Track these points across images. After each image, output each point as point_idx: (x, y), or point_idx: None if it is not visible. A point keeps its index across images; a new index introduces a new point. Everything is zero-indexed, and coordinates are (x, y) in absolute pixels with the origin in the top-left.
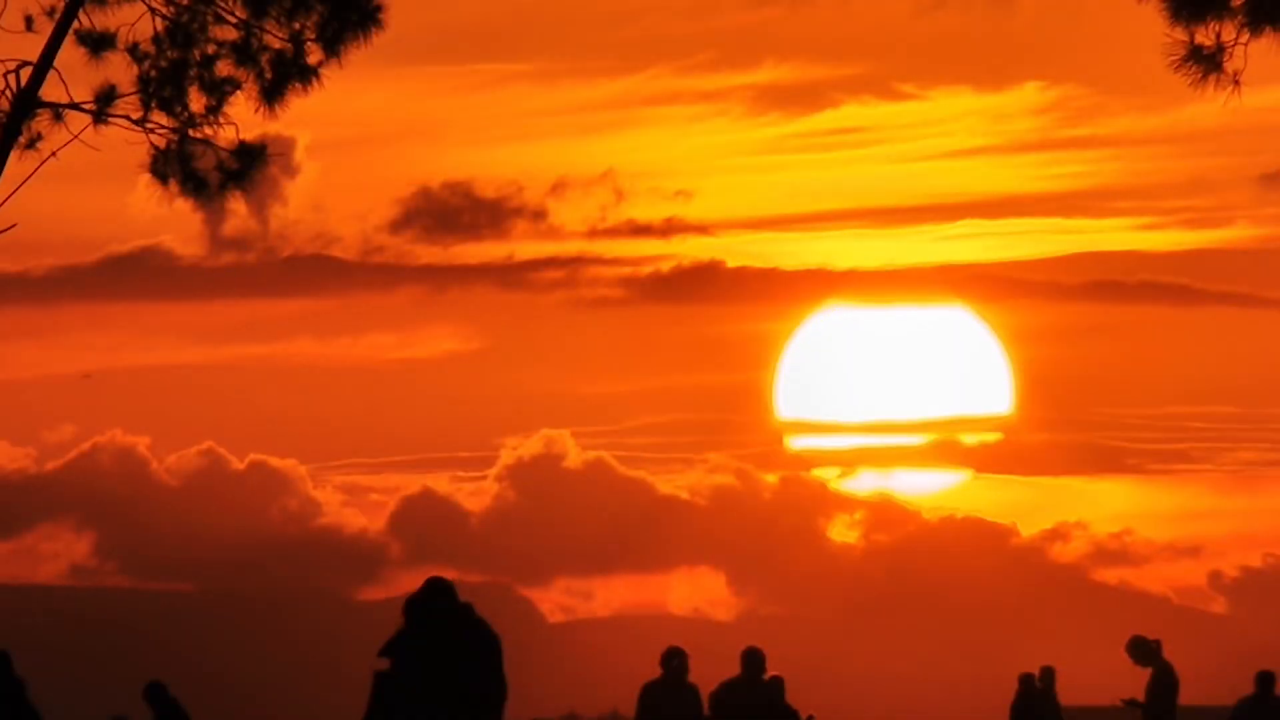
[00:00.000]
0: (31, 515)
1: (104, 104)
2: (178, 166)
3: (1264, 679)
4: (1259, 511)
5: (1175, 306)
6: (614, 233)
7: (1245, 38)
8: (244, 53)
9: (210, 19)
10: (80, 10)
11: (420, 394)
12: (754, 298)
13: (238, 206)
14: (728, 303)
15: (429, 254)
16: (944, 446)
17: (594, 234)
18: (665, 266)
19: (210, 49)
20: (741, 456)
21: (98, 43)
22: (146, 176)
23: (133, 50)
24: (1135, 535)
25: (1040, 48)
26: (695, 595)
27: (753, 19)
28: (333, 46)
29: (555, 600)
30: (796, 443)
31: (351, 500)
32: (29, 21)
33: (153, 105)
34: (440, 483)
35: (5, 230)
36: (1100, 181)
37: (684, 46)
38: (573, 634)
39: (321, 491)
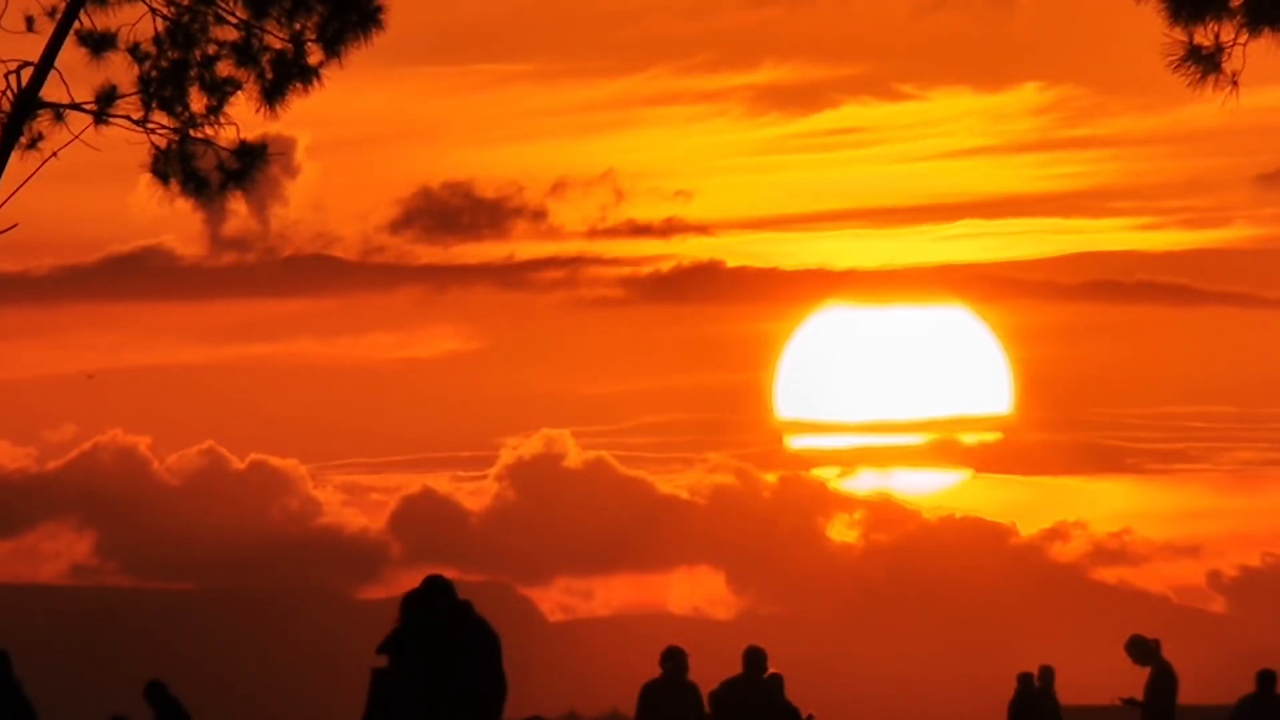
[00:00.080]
0: (32, 515)
1: (105, 104)
2: (179, 166)
3: (1265, 678)
4: (1258, 511)
5: (1174, 306)
6: (614, 233)
7: (1244, 38)
8: (245, 53)
9: (211, 19)
10: (81, 11)
11: (420, 394)
12: (754, 297)
13: (238, 206)
14: (727, 303)
15: (429, 254)
16: (943, 446)
17: (594, 234)
18: (665, 266)
19: (211, 49)
20: (741, 456)
21: (99, 43)
22: (147, 176)
23: (134, 50)
24: (1134, 535)
25: (1039, 48)
26: (695, 594)
27: (753, 19)
28: (333, 47)
29: (555, 599)
30: (796, 442)
31: (352, 500)
32: (30, 22)
33: (153, 105)
34: (440, 482)
35: (6, 230)
36: (1099, 181)
37: (684, 47)
38: (573, 633)
39: (322, 491)
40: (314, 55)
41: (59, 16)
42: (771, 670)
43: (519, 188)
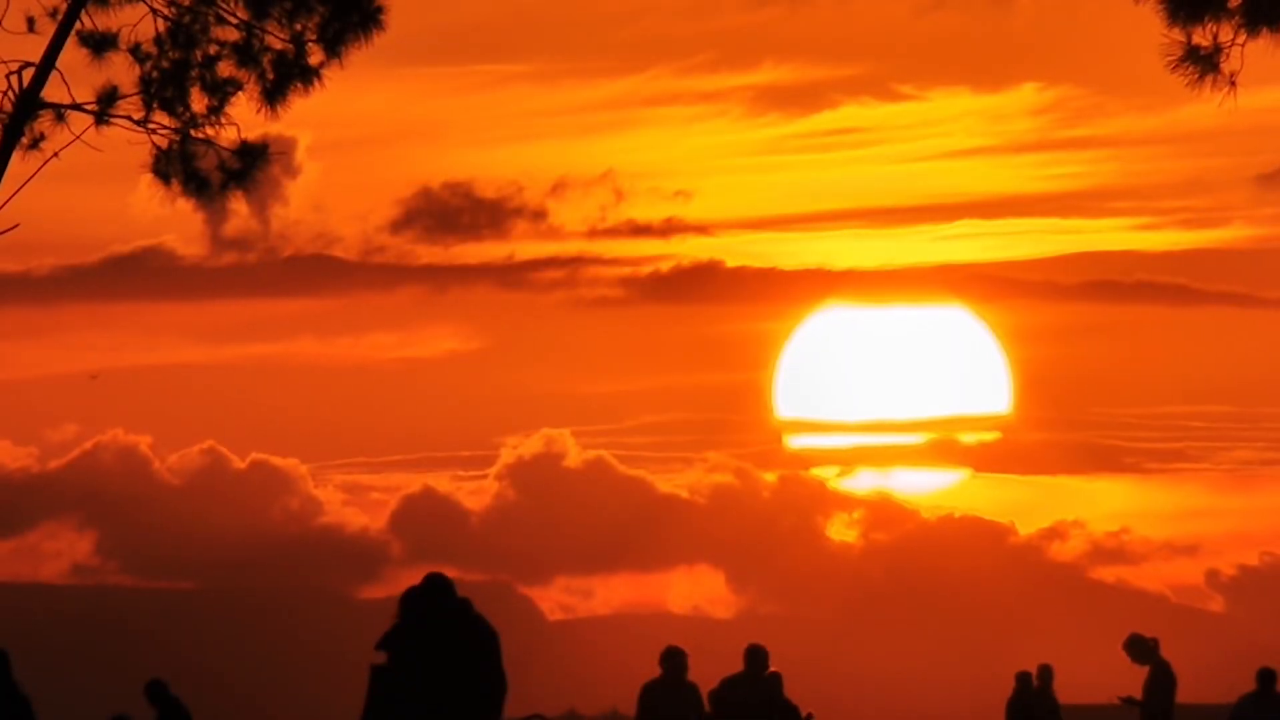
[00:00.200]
0: (33, 514)
1: (106, 104)
2: (180, 167)
3: (1265, 676)
4: (1256, 510)
5: (1173, 306)
6: (614, 233)
7: (1242, 38)
8: (246, 53)
9: (212, 20)
10: (82, 11)
11: (421, 393)
12: (753, 297)
13: (239, 206)
14: (727, 302)
15: (430, 254)
16: (942, 446)
17: (594, 234)
18: (665, 266)
19: (212, 50)
20: (741, 455)
21: (100, 44)
22: (148, 177)
23: (135, 51)
24: (1133, 534)
25: (1038, 49)
26: (695, 593)
27: (753, 20)
28: (334, 47)
29: (555, 598)
30: (795, 442)
31: (352, 499)
32: (31, 23)
33: (154, 106)
34: (441, 482)
35: (8, 230)
36: (1098, 182)
37: (684, 47)
38: (573, 632)
39: (323, 490)
40: (315, 56)
41: (60, 17)
42: (771, 669)
43: (519, 188)
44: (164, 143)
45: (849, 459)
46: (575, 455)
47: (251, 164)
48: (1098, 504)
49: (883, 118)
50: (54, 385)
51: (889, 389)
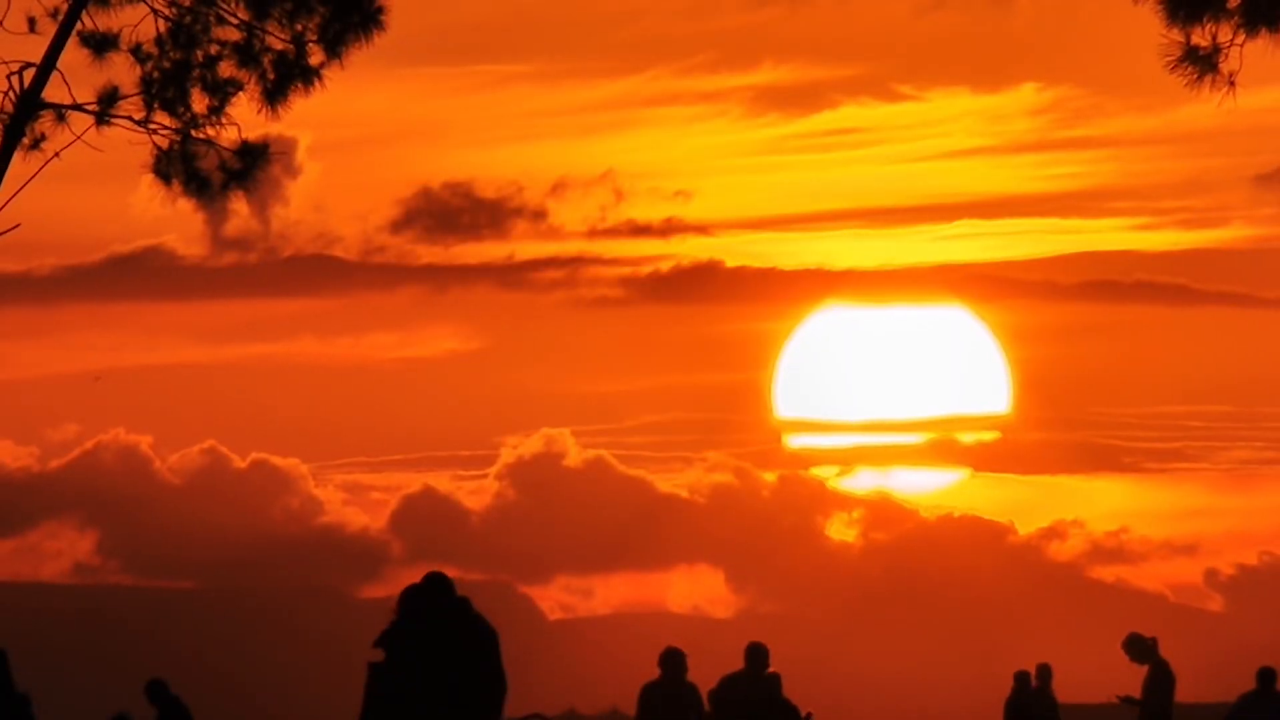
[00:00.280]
0: (35, 513)
1: (107, 105)
2: (180, 167)
3: (1265, 675)
4: (1254, 510)
5: (1171, 306)
6: (614, 233)
7: (1241, 39)
8: (246, 54)
9: (212, 20)
10: (83, 12)
11: (421, 393)
12: (753, 297)
13: (240, 207)
14: (727, 302)
15: (430, 254)
16: (942, 445)
17: (594, 234)
18: (665, 266)
19: (213, 50)
20: (740, 455)
21: (101, 44)
22: (149, 177)
23: (135, 51)
24: (1131, 533)
25: (1037, 49)
26: (694, 593)
27: (752, 20)
28: (334, 48)
29: (555, 598)
30: (795, 441)
31: (353, 499)
32: (32, 23)
33: (155, 106)
34: (441, 481)
35: (9, 231)
36: (1097, 182)
37: (683, 47)
38: (573, 631)
39: (323, 490)
40: (315, 56)
41: (61, 18)
42: (771, 668)
43: (519, 188)
44: (165, 143)
45: (848, 459)
46: (575, 455)
47: (252, 164)
48: (1097, 503)
49: (882, 118)
50: (55, 385)
51: (888, 389)
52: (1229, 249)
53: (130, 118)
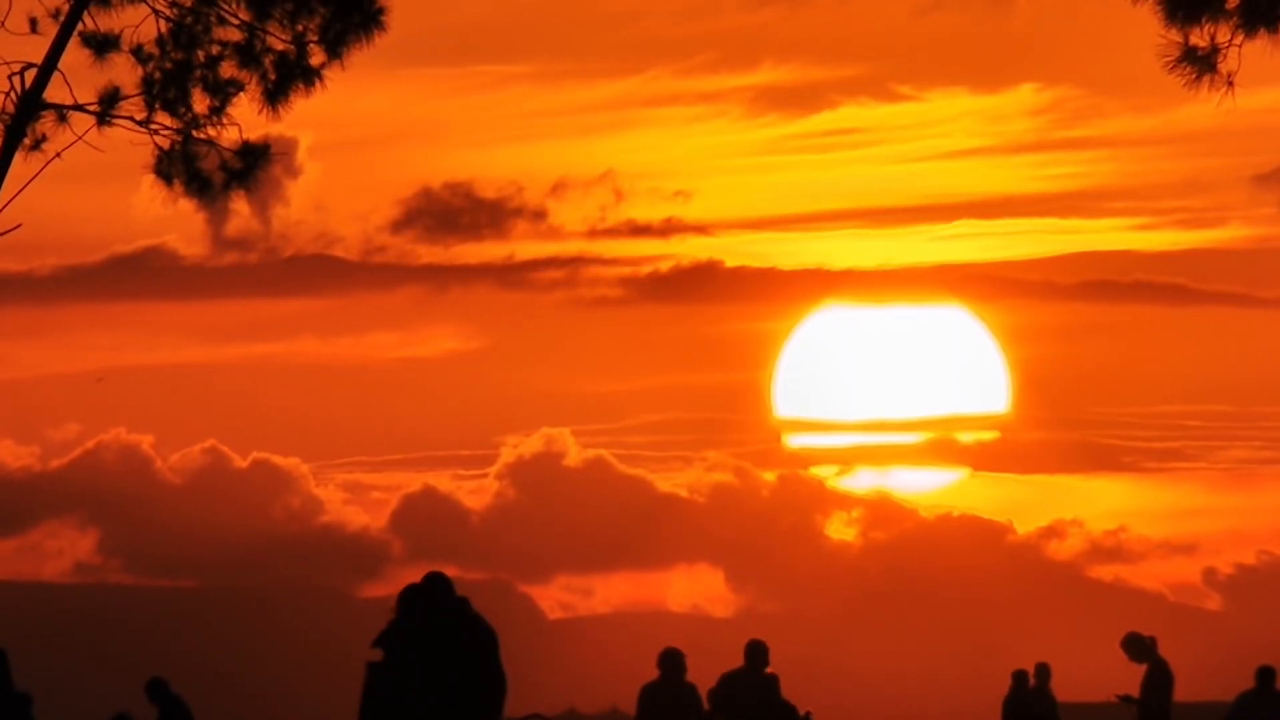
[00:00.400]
0: (35, 513)
1: (108, 105)
2: (181, 167)
3: (1264, 674)
4: (1253, 509)
5: (1170, 306)
6: (614, 233)
7: (1239, 39)
8: (247, 54)
9: (214, 21)
10: (85, 12)
11: (421, 393)
12: (752, 297)
13: (241, 207)
14: (726, 302)
15: (430, 254)
16: (941, 445)
17: (594, 234)
18: (664, 266)
19: (214, 50)
20: (740, 455)
21: (102, 45)
22: (150, 177)
23: (137, 52)
24: (1130, 532)
25: (1036, 49)
26: (694, 592)
27: (752, 20)
28: (335, 48)
29: (555, 597)
30: (794, 441)
31: (353, 498)
32: (34, 24)
33: (156, 106)
34: (441, 480)
35: (10, 231)
36: (1096, 182)
37: (683, 48)
38: (573, 630)
39: (324, 489)
40: (316, 56)
41: (62, 18)
42: (770, 667)
43: (519, 188)
44: (166, 143)
45: (848, 458)
46: (575, 454)
47: (253, 164)
48: (1095, 503)
49: (881, 118)
50: (56, 385)
51: (888, 388)
52: (1228, 249)
53: (131, 118)
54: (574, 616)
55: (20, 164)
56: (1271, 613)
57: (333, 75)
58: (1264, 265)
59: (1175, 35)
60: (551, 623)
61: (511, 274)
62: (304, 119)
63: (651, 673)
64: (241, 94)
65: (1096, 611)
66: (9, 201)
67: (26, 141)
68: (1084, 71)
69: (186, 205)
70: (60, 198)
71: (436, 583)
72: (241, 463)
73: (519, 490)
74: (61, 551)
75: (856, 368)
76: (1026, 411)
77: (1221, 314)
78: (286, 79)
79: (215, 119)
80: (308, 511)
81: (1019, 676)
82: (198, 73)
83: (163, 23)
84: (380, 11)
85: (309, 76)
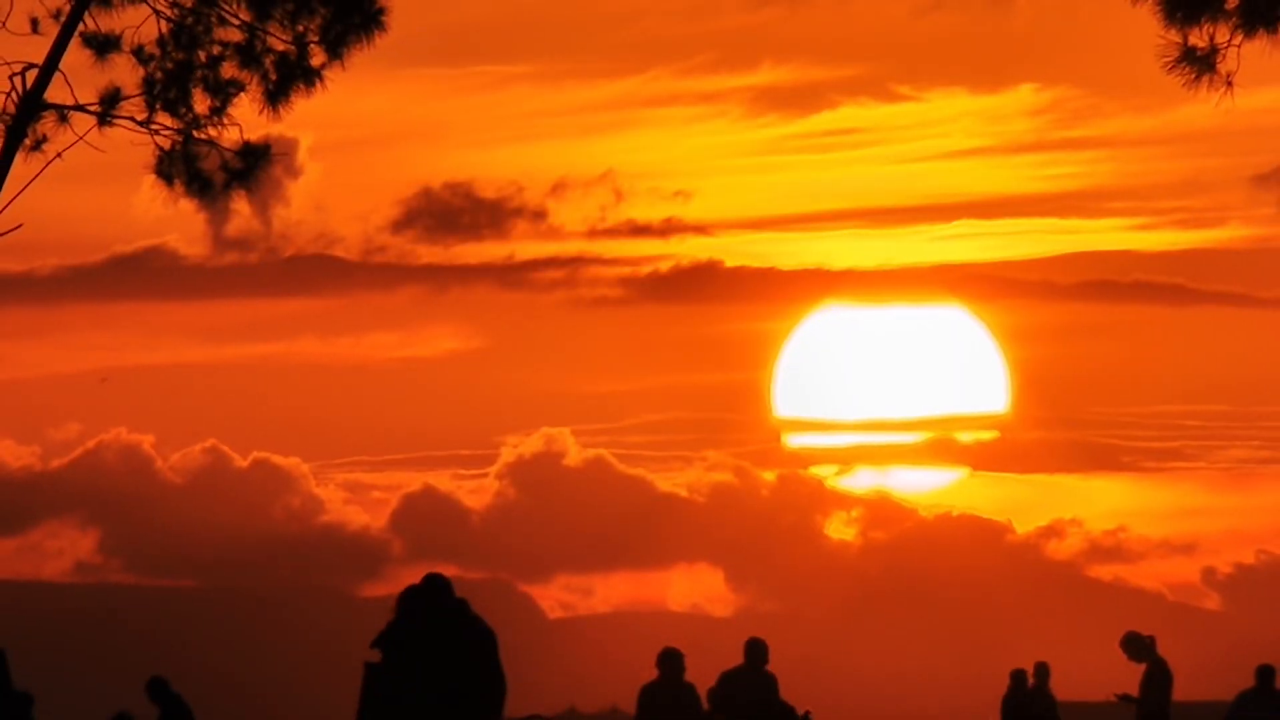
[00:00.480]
0: (36, 512)
1: (109, 106)
2: (182, 167)
3: (1264, 673)
4: (1252, 509)
5: (1169, 306)
6: (614, 233)
7: (1239, 39)
8: (248, 55)
9: (214, 21)
10: (85, 13)
11: (421, 392)
12: (752, 297)
13: (241, 207)
14: (726, 302)
15: (430, 254)
16: (940, 444)
17: (594, 234)
18: (664, 266)
19: (214, 51)
20: (740, 454)
21: (103, 45)
22: (151, 177)
23: (138, 52)
24: (1129, 532)
25: (1036, 50)
26: (694, 592)
27: (752, 21)
28: (336, 49)
29: (555, 596)
30: (794, 441)
31: (354, 498)
32: (35, 24)
33: (157, 107)
34: (441, 480)
35: (11, 231)
36: (1095, 182)
37: (683, 48)
38: (573, 630)
39: (324, 489)
40: (317, 57)
41: (64, 18)
42: (770, 666)
43: (519, 188)
44: (166, 143)
45: (847, 458)
46: (575, 454)
47: (253, 164)
48: (1095, 502)
49: (881, 118)
50: (57, 384)
51: (887, 388)
52: (1227, 249)
53: (132, 118)
54: (574, 616)
55: (21, 164)
56: (1271, 612)
57: (333, 75)
58: (1263, 265)
59: (1174, 35)
60: (551, 622)
61: (511, 274)
62: (304, 119)
63: (651, 672)
64: (242, 94)
65: (1096, 611)
66: (10, 202)
67: (27, 142)
68: (1083, 71)
69: (187, 205)
70: (61, 198)
71: (436, 584)
72: (242, 462)
73: (519, 490)
74: (62, 551)
75: (856, 368)
76: (1026, 411)
77: (1221, 314)
78: (287, 79)
79: (216, 119)
80: (308, 511)
81: (1018, 676)
82: (198, 73)
83: (164, 23)
84: (380, 12)
85: (309, 77)
